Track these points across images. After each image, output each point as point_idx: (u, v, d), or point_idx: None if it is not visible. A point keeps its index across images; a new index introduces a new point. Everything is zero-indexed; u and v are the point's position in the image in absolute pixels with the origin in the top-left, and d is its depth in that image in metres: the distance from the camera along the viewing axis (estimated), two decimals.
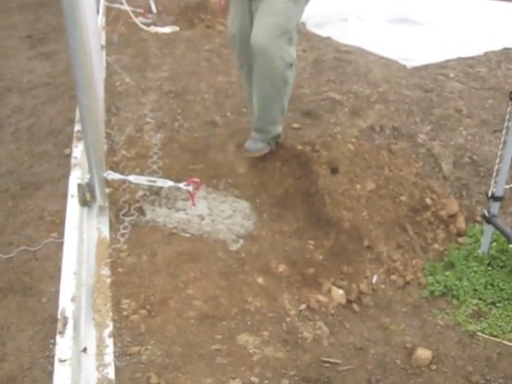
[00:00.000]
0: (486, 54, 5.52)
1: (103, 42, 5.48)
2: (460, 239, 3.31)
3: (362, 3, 6.32)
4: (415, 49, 5.42)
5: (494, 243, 3.10)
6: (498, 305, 2.83)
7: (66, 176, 3.04)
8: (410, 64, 5.07)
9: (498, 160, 2.94)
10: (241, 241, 2.96)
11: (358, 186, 3.26)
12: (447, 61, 5.24)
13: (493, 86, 4.71)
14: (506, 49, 5.59)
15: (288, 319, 2.45)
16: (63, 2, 2.42)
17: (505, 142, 2.87)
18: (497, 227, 2.98)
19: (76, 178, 2.97)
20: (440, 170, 3.61)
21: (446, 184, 3.56)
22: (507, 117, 2.91)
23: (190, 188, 2.82)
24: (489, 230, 3.04)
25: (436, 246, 3.28)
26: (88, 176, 2.78)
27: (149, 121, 3.94)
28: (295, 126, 3.84)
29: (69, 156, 3.37)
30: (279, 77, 3.13)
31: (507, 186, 2.98)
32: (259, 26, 3.06)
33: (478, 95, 4.50)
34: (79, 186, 2.80)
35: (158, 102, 4.26)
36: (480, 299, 2.87)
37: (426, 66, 5.06)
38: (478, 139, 3.89)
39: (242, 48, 3.32)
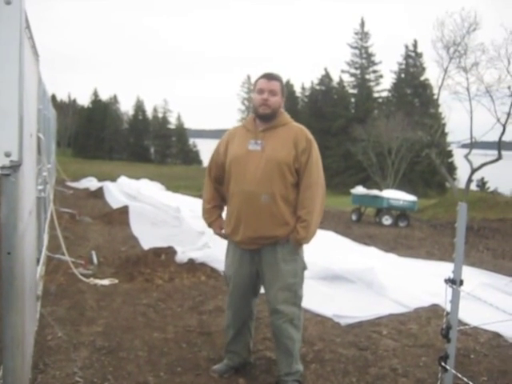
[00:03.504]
0: (415, 310, 5.75)
1: (40, 293, 5.44)
2: None
3: None
4: (348, 306, 5.61)
5: None
6: None
7: None
8: (343, 321, 5.20)
9: None
10: None
11: None
12: (379, 317, 5.42)
13: (425, 343, 4.82)
14: (434, 305, 5.83)
15: None
16: (3, 265, 2.47)
17: None
18: None
19: None
20: None
21: None
22: (439, 382, 2.94)
23: None
24: None
25: None
26: None
27: (78, 380, 3.76)
28: None
29: None
30: (293, 327, 3.74)
31: None
32: (273, 291, 3.73)
33: (411, 353, 4.57)
34: None
35: (89, 358, 4.12)
36: None
37: (360, 324, 5.20)
38: None
39: (234, 290, 3.90)
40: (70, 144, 74.56)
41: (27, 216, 3.37)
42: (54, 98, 63.04)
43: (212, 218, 3.97)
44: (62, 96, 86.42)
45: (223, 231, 3.90)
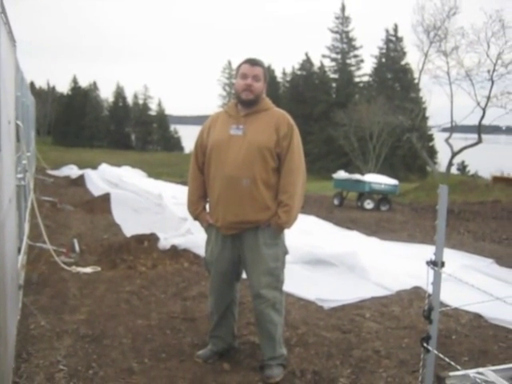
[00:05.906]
0: (398, 292, 5.80)
1: (21, 282, 5.40)
2: None
3: None
4: (331, 290, 5.65)
5: None
6: None
7: None
8: (327, 305, 5.24)
9: None
10: None
11: None
12: (362, 300, 5.46)
13: (407, 324, 4.87)
14: (415, 287, 5.89)
15: None
16: None
17: None
18: None
19: None
20: None
21: None
22: (421, 363, 2.98)
23: None
24: None
25: None
26: None
27: (61, 368, 3.75)
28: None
29: None
30: (275, 312, 3.76)
31: None
32: (255, 276, 3.74)
33: (394, 335, 4.62)
34: None
35: (73, 346, 4.11)
36: None
37: (343, 307, 5.24)
38: (398, 381, 3.89)
39: (216, 276, 3.90)
40: (49, 132, 73.68)
41: (7, 204, 3.34)
42: (32, 85, 62.22)
43: (198, 210, 3.92)
44: (40, 83, 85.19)
45: (210, 221, 3.84)
